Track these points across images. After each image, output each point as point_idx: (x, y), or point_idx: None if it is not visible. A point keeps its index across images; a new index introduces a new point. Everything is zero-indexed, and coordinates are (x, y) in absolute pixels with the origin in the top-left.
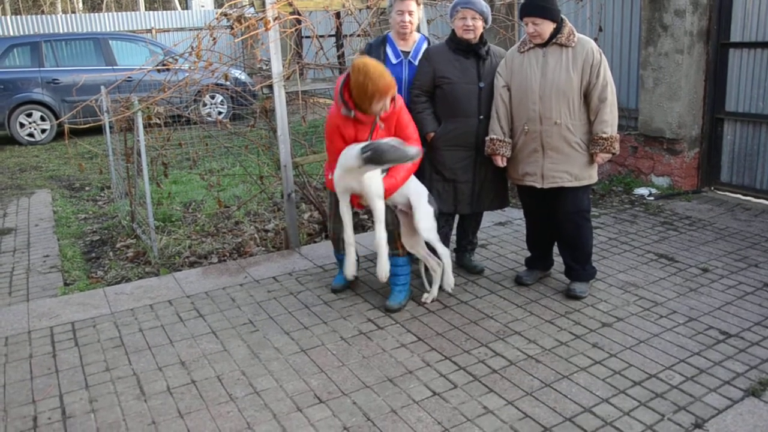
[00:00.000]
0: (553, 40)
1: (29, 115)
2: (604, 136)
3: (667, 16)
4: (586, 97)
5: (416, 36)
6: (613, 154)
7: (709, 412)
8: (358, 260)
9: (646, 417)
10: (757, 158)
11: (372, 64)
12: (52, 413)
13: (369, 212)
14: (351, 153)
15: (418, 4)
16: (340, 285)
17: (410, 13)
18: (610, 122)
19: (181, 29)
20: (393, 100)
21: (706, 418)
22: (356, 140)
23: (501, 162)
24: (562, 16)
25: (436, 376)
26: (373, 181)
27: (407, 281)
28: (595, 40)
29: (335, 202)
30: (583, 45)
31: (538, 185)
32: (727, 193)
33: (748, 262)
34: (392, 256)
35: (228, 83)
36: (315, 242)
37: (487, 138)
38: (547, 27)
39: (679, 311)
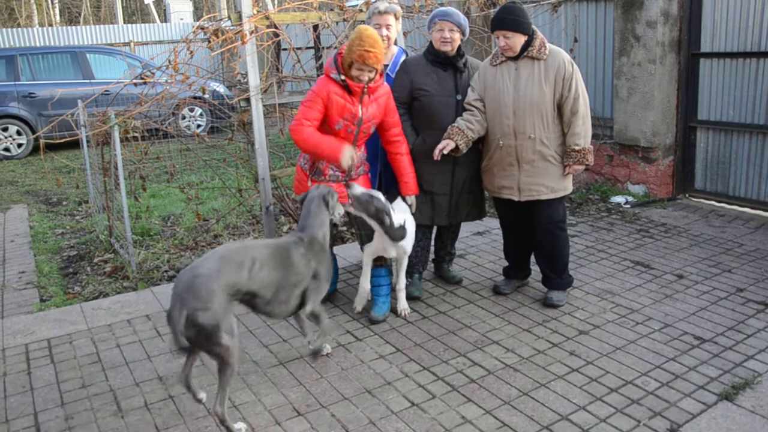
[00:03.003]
0: (525, 53)
1: (5, 130)
2: (577, 148)
3: (640, 27)
4: (560, 109)
5: (394, 49)
6: (587, 165)
7: (684, 417)
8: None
9: (622, 423)
10: (730, 165)
11: (371, 32)
12: None
13: (347, 224)
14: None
15: (397, 18)
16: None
17: (388, 27)
18: (582, 134)
19: (160, 42)
20: (381, 75)
21: (681, 423)
22: (344, 111)
23: (443, 148)
24: (534, 27)
25: (414, 387)
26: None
27: (389, 291)
28: (570, 51)
29: None
30: (555, 57)
31: (515, 198)
32: (702, 200)
33: (721, 267)
34: (374, 267)
35: (206, 96)
36: None
37: (450, 125)
38: (519, 40)
39: (655, 318)
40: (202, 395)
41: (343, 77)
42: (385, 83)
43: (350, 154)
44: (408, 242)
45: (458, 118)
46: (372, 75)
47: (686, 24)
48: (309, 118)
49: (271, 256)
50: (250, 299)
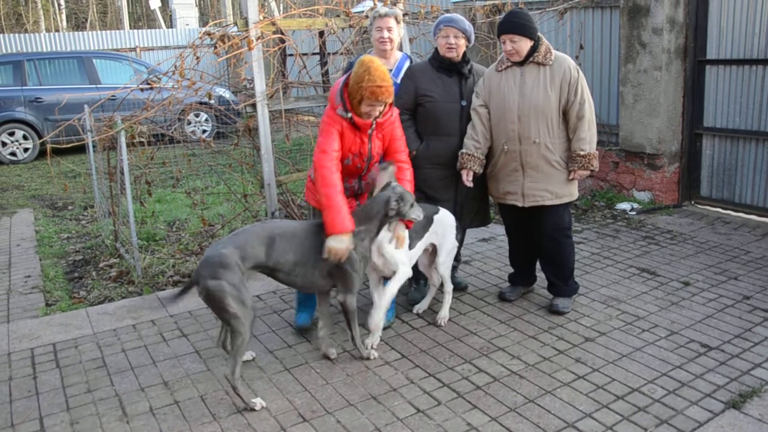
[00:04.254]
0: (530, 59)
1: (12, 134)
2: (582, 153)
3: (645, 33)
4: (565, 114)
5: (398, 55)
6: (592, 171)
7: (690, 425)
8: None
9: (628, 431)
10: (736, 172)
11: (378, 63)
12: None
13: None
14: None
15: (398, 22)
16: (306, 325)
17: (389, 30)
18: (587, 140)
19: (166, 48)
20: (390, 106)
21: (688, 431)
22: (353, 147)
23: (467, 178)
24: (539, 34)
25: (419, 393)
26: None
27: (393, 299)
28: (576, 57)
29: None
30: (560, 63)
31: (520, 204)
32: (707, 207)
33: (728, 275)
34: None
35: (212, 102)
36: None
37: (459, 152)
38: (525, 44)
39: (661, 325)
40: (246, 356)
41: (350, 115)
42: (394, 108)
43: (344, 246)
44: (399, 261)
45: (465, 139)
46: (382, 109)
47: (692, 31)
48: (332, 149)
49: (292, 236)
50: (270, 272)
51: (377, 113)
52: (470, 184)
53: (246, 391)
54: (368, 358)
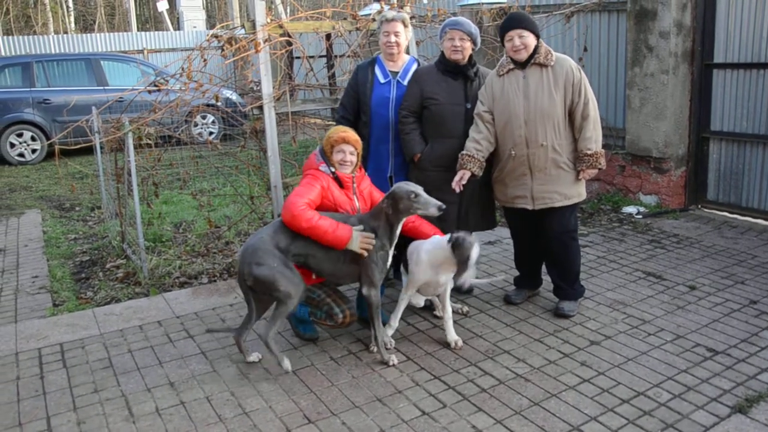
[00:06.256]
0: (532, 61)
1: (20, 135)
2: (589, 152)
3: (652, 37)
4: (570, 115)
5: (405, 57)
6: (600, 169)
7: (696, 430)
8: None
9: None
10: (743, 176)
11: (343, 126)
12: None
13: None
14: (439, 247)
15: (405, 26)
16: (314, 335)
17: (396, 34)
18: (594, 138)
19: (173, 50)
20: (361, 168)
21: None
22: (344, 204)
23: (459, 179)
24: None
25: (425, 396)
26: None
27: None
28: (579, 60)
29: None
30: (562, 64)
31: (530, 207)
32: (714, 211)
33: (734, 279)
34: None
35: (219, 104)
36: None
37: (459, 153)
38: (532, 40)
39: (667, 329)
40: (253, 357)
41: (333, 169)
42: (367, 176)
43: (358, 239)
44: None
45: (467, 141)
46: (354, 158)
47: (699, 35)
48: (308, 196)
49: None
50: (304, 260)
51: (349, 161)
52: (459, 188)
53: (277, 347)
54: (387, 363)
